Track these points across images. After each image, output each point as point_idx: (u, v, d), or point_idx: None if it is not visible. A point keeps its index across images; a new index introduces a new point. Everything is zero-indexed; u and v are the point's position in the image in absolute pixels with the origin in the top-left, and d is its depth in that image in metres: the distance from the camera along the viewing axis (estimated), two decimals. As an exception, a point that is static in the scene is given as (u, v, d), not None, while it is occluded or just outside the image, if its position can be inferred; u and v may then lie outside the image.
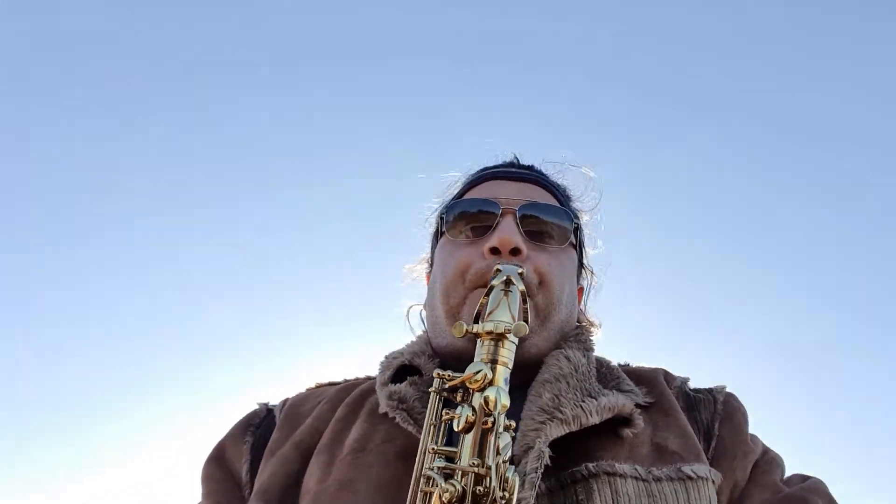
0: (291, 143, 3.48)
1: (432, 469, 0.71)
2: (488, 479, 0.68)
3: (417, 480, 0.72)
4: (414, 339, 1.15)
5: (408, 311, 1.23)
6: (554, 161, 1.23)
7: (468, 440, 0.72)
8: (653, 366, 1.12)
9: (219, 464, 1.06)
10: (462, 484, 0.67)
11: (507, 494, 0.67)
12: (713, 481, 0.90)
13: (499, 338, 0.77)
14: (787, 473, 1.01)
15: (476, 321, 0.81)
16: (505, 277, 0.82)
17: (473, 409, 0.73)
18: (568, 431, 0.87)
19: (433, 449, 0.74)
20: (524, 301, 0.81)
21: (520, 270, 0.84)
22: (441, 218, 1.13)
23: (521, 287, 0.81)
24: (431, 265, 1.19)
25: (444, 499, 0.65)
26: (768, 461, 0.99)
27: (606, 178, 1.24)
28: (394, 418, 0.93)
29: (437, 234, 1.16)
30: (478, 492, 0.67)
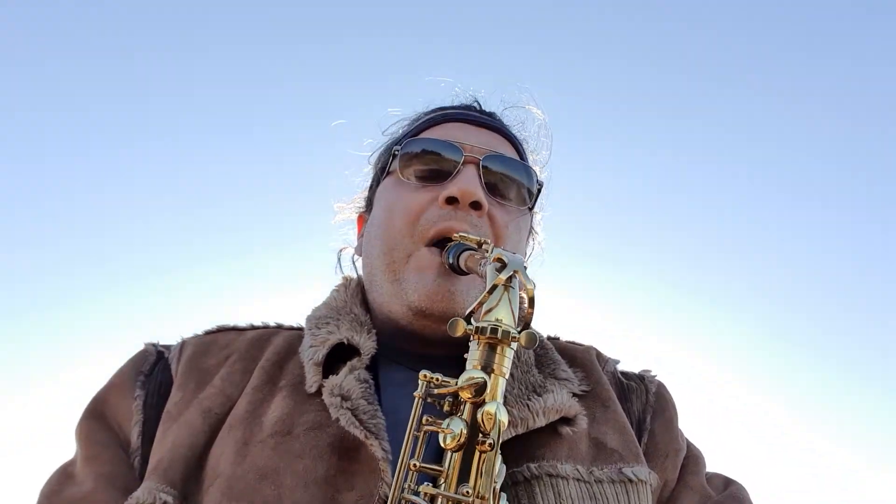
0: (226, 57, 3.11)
1: (417, 494, 0.60)
2: (480, 510, 0.58)
3: (395, 502, 0.61)
4: (338, 284, 1.02)
5: (339, 255, 1.11)
6: (513, 105, 1.11)
7: (455, 459, 0.62)
8: (584, 342, 1.06)
9: (100, 422, 0.89)
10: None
11: (499, 530, 0.58)
12: (651, 485, 0.87)
13: (499, 342, 0.67)
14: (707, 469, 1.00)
15: (468, 316, 0.70)
16: (511, 273, 0.71)
17: (466, 423, 0.63)
18: (514, 435, 0.81)
19: (415, 465, 0.63)
20: (531, 304, 0.71)
21: (525, 264, 0.73)
22: (393, 154, 0.99)
23: (530, 286, 0.71)
24: (368, 208, 1.05)
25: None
26: (694, 460, 0.98)
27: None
28: (326, 405, 0.81)
29: (381, 174, 1.02)
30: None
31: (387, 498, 0.72)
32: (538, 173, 1.06)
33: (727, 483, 0.98)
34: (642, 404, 0.98)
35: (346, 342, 0.88)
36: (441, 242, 0.88)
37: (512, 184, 0.97)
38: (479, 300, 0.70)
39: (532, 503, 0.77)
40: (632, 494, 0.83)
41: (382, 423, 0.79)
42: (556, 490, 0.78)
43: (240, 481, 0.76)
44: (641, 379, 1.01)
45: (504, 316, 0.69)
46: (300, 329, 0.99)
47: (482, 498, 0.58)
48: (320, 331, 0.91)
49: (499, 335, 0.66)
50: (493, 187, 0.94)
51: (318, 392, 0.84)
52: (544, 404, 0.83)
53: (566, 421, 0.85)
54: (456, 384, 0.65)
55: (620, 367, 1.03)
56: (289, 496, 0.74)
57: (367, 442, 0.76)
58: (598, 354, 1.03)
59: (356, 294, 0.98)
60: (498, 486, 0.62)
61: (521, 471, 0.79)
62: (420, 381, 0.68)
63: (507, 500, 0.75)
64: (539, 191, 1.02)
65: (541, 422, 0.82)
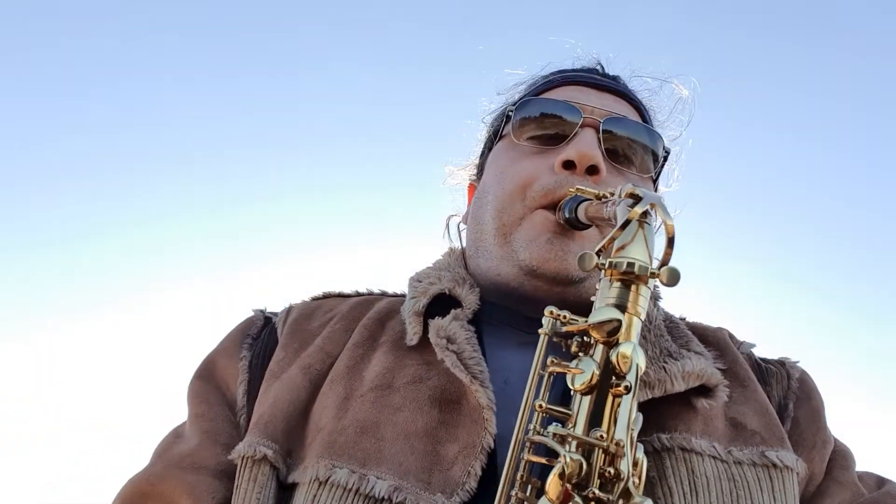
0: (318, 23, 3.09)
1: (545, 434, 0.55)
2: (617, 457, 0.52)
3: (518, 444, 0.56)
4: (442, 255, 0.99)
5: (447, 221, 1.07)
6: (643, 75, 1.04)
7: (585, 404, 0.56)
8: (713, 324, 0.96)
9: (209, 382, 0.90)
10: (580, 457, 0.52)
11: (637, 481, 0.52)
12: (798, 473, 0.78)
13: (635, 280, 0.60)
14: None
15: (598, 254, 0.63)
16: (647, 206, 0.64)
17: (598, 364, 0.57)
18: (651, 398, 0.74)
19: (541, 406, 0.58)
20: (669, 245, 0.64)
21: (664, 199, 0.66)
22: (507, 116, 0.95)
23: (670, 221, 0.64)
24: (479, 174, 1.02)
25: (566, 475, 0.49)
26: (843, 454, 0.87)
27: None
28: (426, 354, 0.79)
29: (495, 138, 0.98)
30: (607, 474, 0.51)
31: (491, 450, 0.68)
32: (665, 140, 0.98)
33: (881, 482, 0.87)
34: (783, 390, 0.88)
35: (447, 292, 0.86)
36: (556, 206, 0.83)
37: (634, 150, 0.91)
38: (609, 235, 0.64)
39: (662, 477, 0.70)
40: (776, 481, 0.74)
41: (486, 373, 0.75)
42: (690, 466, 0.71)
43: (340, 436, 0.74)
44: (782, 364, 0.92)
45: (639, 254, 0.62)
46: (404, 295, 0.97)
47: (618, 444, 0.52)
48: (421, 283, 0.89)
49: (636, 270, 0.59)
50: (614, 153, 0.89)
51: (418, 346, 0.82)
52: (683, 368, 0.77)
53: (703, 393, 0.78)
54: (587, 322, 0.59)
55: (757, 353, 0.94)
56: (388, 449, 0.72)
57: (472, 387, 0.73)
58: (731, 335, 0.94)
59: (459, 260, 0.96)
60: (635, 434, 0.56)
61: (651, 440, 0.72)
62: (545, 318, 0.62)
63: None
64: (665, 158, 0.96)
65: (680, 386, 0.76)
